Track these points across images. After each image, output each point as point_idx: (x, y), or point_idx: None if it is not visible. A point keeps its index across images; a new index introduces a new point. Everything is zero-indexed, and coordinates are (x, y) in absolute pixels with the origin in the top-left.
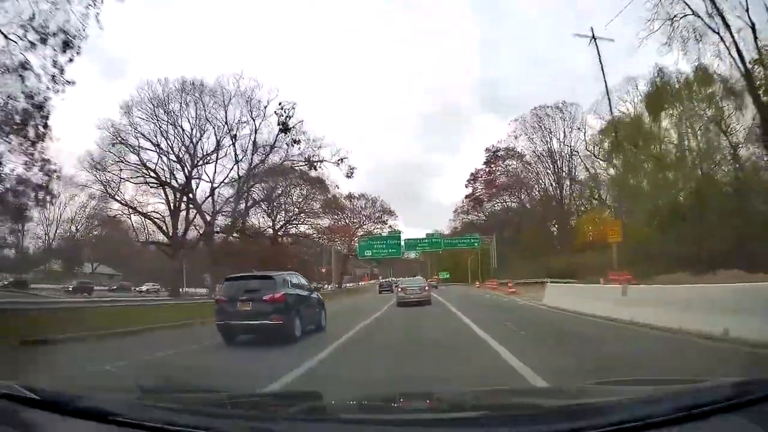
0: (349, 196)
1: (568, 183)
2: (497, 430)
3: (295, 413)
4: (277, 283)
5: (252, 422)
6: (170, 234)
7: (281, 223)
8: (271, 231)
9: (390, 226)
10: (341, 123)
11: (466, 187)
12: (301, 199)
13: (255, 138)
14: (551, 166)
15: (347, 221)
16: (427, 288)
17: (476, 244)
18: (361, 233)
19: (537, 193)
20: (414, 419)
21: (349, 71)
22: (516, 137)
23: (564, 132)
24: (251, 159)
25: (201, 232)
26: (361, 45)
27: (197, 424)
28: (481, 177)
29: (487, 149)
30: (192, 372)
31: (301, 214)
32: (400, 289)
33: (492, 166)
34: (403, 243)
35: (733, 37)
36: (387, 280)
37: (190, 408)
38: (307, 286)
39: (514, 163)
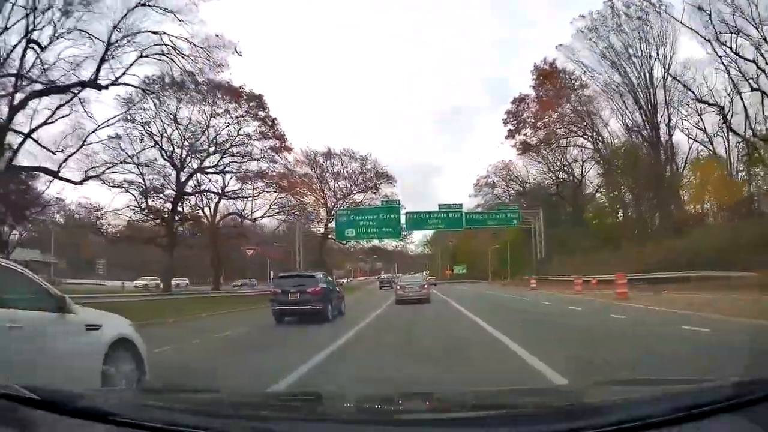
0: (328, 154)
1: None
2: (497, 430)
3: (295, 413)
4: (316, 280)
5: (252, 422)
6: None
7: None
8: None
9: (385, 196)
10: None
11: (505, 124)
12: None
13: None
14: (642, 94)
15: (320, 185)
16: (426, 286)
17: (514, 222)
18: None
19: (610, 139)
20: (414, 419)
21: (355, 68)
22: (591, 33)
23: (656, 44)
24: None
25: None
26: (370, 43)
27: (197, 424)
28: (528, 106)
29: (536, 66)
30: (194, 372)
31: (224, 154)
32: (398, 287)
33: (545, 85)
34: (403, 219)
35: None
36: (387, 276)
37: (190, 408)
38: (332, 281)
39: (575, 95)
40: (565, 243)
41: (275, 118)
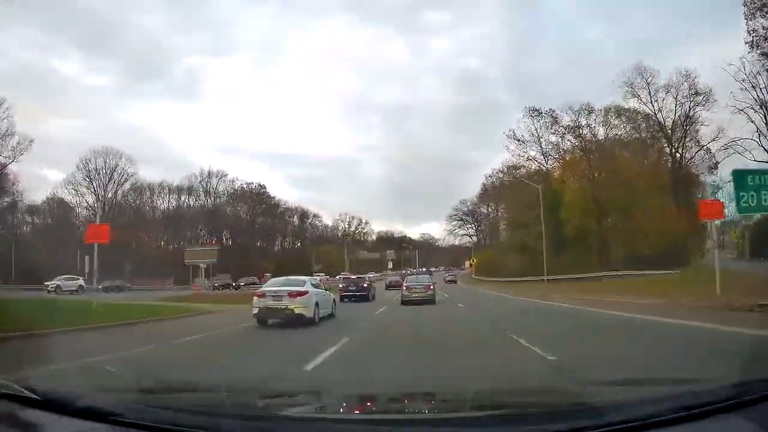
0: None
1: None
2: (497, 430)
3: (296, 413)
4: (365, 279)
5: (252, 422)
6: None
7: None
8: None
9: None
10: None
11: None
12: None
13: None
14: None
15: None
16: (432, 287)
17: None
18: None
19: None
20: (414, 419)
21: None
22: None
23: None
24: None
25: None
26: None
27: (197, 424)
28: None
29: None
30: (196, 370)
31: None
32: (404, 288)
33: None
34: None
35: None
36: (398, 273)
37: (190, 408)
38: (366, 278)
39: None
40: None
41: None
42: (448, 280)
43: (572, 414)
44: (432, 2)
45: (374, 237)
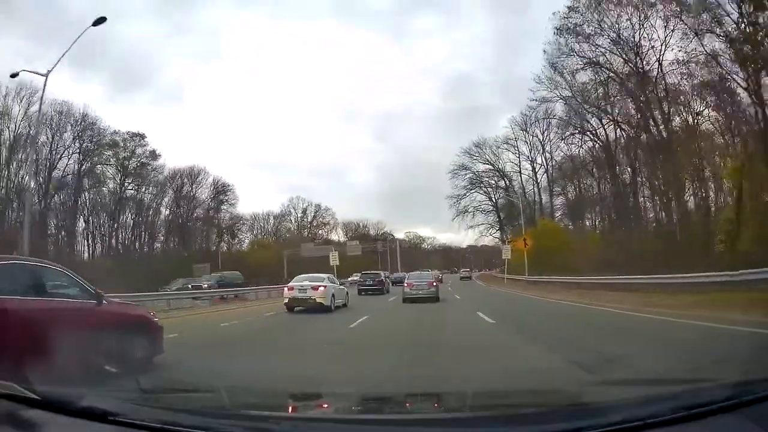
0: None
1: None
2: (497, 430)
3: (296, 413)
4: (380, 274)
5: (252, 422)
6: None
7: None
8: None
9: None
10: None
11: None
12: None
13: None
14: None
15: None
16: (435, 284)
17: None
18: None
19: None
20: (414, 419)
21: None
22: None
23: None
24: None
25: None
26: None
27: (197, 424)
28: None
29: None
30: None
31: None
32: (406, 284)
33: None
34: None
35: None
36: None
37: (190, 408)
38: (382, 273)
39: None
40: None
41: None
42: (463, 277)
43: (572, 414)
44: (423, 6)
45: (340, 231)
